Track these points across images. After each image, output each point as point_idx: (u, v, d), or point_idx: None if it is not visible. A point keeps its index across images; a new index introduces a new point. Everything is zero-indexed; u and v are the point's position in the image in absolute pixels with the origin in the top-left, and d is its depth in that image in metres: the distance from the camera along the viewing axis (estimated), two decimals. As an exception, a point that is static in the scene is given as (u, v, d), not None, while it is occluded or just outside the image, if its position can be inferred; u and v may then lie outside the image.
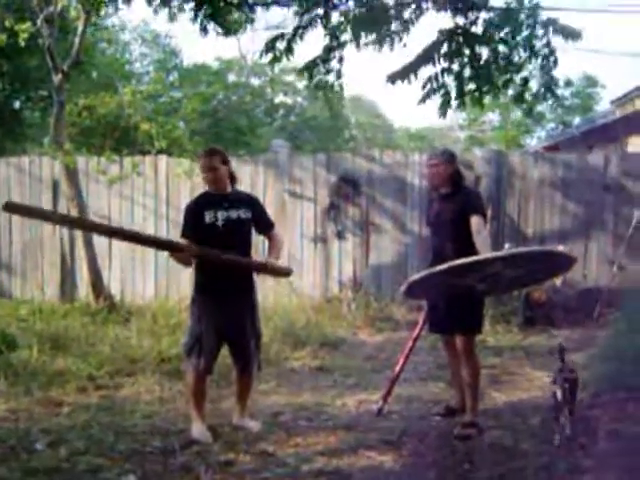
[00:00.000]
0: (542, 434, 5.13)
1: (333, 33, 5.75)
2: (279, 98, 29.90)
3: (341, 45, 5.77)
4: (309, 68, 5.94)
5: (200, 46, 54.48)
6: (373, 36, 5.59)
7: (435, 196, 5.81)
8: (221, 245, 5.07)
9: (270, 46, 5.81)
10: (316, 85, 6.15)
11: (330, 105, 6.74)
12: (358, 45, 5.61)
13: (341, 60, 5.90)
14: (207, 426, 5.24)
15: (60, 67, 9.60)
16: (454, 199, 5.51)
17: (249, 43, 43.78)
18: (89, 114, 13.95)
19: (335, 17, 5.90)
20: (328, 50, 5.83)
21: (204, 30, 6.13)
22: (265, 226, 5.48)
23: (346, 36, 5.76)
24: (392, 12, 5.50)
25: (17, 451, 4.86)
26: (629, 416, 5.23)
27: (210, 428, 5.27)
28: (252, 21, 6.48)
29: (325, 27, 5.75)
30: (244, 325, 5.23)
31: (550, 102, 6.15)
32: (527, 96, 5.70)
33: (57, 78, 9.66)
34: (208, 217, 5.15)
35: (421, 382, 6.91)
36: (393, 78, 5.56)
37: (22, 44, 9.48)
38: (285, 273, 5.60)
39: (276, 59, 5.98)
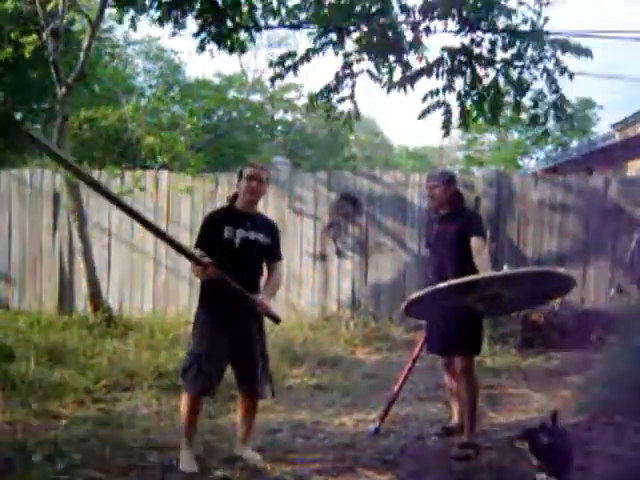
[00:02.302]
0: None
1: (347, 60, 5.76)
2: (279, 115, 29.98)
3: (354, 74, 5.78)
4: (321, 96, 5.93)
5: (201, 61, 54.80)
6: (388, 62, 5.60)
7: (435, 217, 5.83)
8: (233, 264, 4.86)
9: (278, 63, 5.82)
10: (328, 115, 6.15)
11: (349, 127, 6.76)
12: (377, 68, 5.61)
13: (353, 86, 5.91)
14: (195, 455, 4.95)
15: (64, 80, 9.63)
16: (454, 220, 5.54)
17: (250, 59, 43.85)
18: (90, 127, 13.97)
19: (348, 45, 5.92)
20: (342, 77, 5.84)
21: (202, 48, 6.14)
22: (274, 256, 5.19)
23: (361, 65, 5.77)
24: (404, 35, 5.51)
25: (14, 463, 4.83)
26: (626, 440, 5.24)
27: (207, 443, 5.27)
28: (254, 41, 6.49)
29: (337, 53, 5.76)
30: (252, 347, 5.00)
31: (560, 123, 6.12)
32: (541, 116, 5.71)
33: (61, 91, 9.69)
34: (227, 232, 4.95)
35: (419, 402, 6.93)
36: (390, 87, 5.60)
37: (27, 56, 9.50)
38: (274, 319, 5.17)
39: (279, 76, 5.99)
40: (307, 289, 10.73)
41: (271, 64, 6.01)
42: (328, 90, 5.91)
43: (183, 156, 11.20)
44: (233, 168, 14.21)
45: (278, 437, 5.74)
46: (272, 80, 6.20)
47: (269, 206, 10.74)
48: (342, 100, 5.98)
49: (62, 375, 7.16)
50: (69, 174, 9.68)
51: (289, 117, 30.26)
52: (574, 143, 28.24)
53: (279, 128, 29.29)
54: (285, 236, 10.60)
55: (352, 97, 5.97)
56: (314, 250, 10.73)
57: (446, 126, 5.80)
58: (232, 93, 27.76)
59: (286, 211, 10.77)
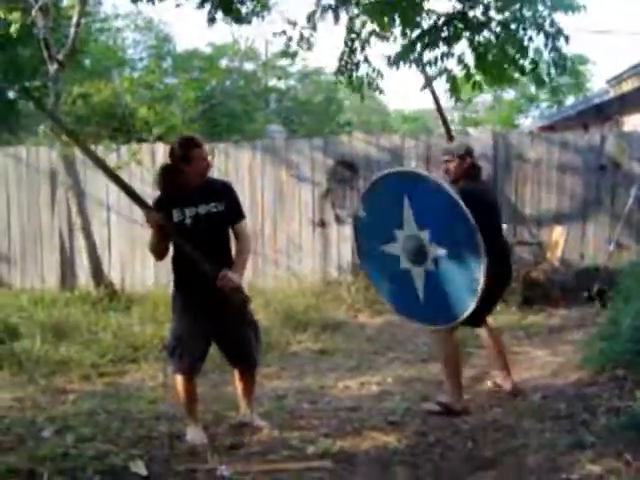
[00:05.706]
0: (543, 412, 5.19)
1: (351, 26, 5.73)
2: (272, 82, 29.77)
3: (362, 40, 5.75)
4: (343, 69, 5.90)
5: (192, 31, 54.17)
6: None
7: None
8: (192, 245, 4.71)
9: (284, 36, 5.81)
10: (350, 81, 6.11)
11: (361, 93, 6.71)
12: (383, 29, 5.57)
13: (364, 49, 5.86)
14: (202, 426, 4.97)
15: (55, 57, 9.59)
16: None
17: (241, 27, 43.42)
18: (84, 102, 13.93)
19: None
20: (349, 43, 5.80)
21: (211, 20, 6.07)
22: (234, 217, 4.86)
23: (367, 28, 5.74)
24: None
25: (24, 439, 4.87)
26: (628, 393, 5.29)
27: (214, 412, 5.34)
28: (268, 8, 6.44)
29: (338, 16, 5.73)
30: (235, 322, 4.84)
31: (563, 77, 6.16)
32: (543, 75, 5.67)
33: (53, 68, 9.66)
34: (176, 215, 4.74)
35: (422, 363, 6.98)
36: (396, 61, 5.55)
37: (14, 35, 9.44)
38: (242, 300, 4.80)
39: (293, 54, 5.96)
40: (307, 256, 10.75)
41: (280, 33, 5.97)
42: (344, 60, 5.88)
43: (178, 128, 11.17)
44: (228, 138, 14.21)
45: (284, 403, 5.80)
46: (292, 56, 6.15)
47: (266, 175, 10.75)
48: (358, 64, 5.96)
49: (67, 351, 7.23)
50: (68, 150, 9.68)
51: (282, 85, 30.08)
52: (569, 100, 28.12)
53: (273, 95, 29.11)
54: (284, 204, 10.66)
55: (367, 60, 5.94)
56: (313, 217, 10.74)
57: (454, 91, 5.74)
58: (224, 62, 27.57)
59: (284, 179, 10.75)
